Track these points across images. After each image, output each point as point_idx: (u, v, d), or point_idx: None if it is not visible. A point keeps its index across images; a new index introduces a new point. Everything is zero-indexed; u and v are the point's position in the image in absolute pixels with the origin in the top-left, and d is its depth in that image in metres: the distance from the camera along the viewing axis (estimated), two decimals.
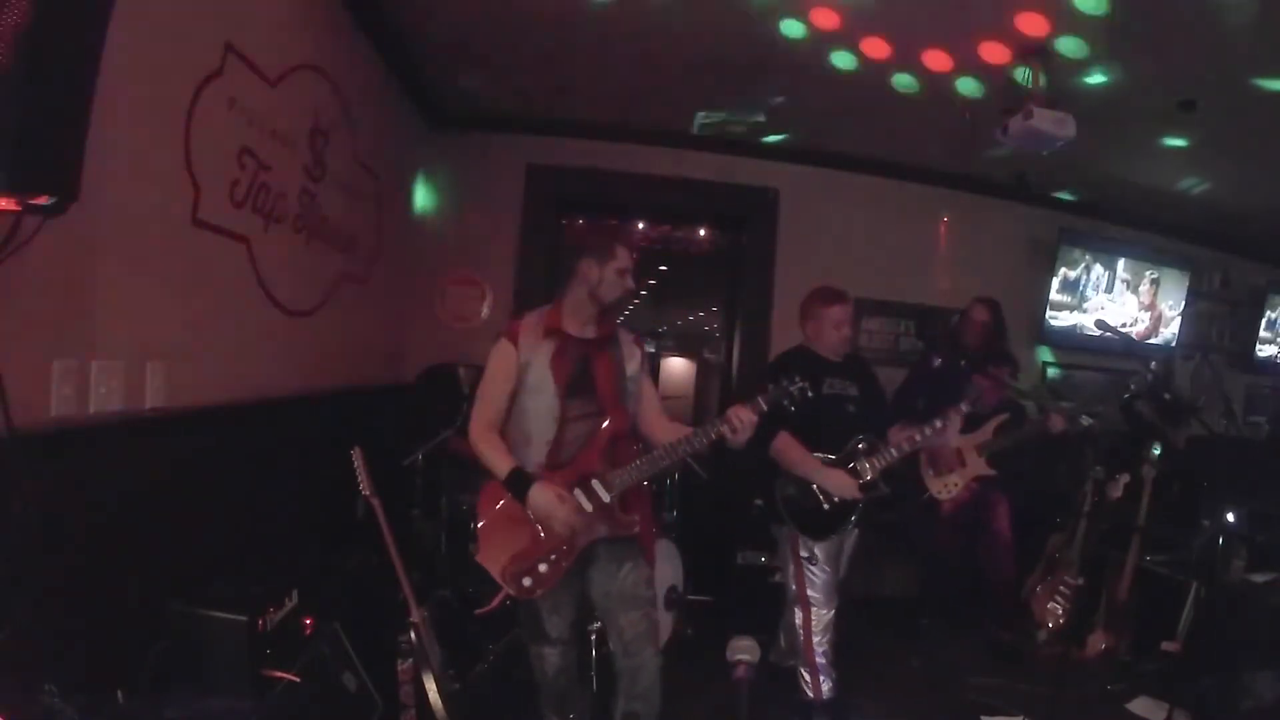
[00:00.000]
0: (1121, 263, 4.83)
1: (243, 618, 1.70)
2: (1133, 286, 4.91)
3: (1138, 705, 2.92)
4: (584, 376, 2.09)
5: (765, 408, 2.05)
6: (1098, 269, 4.77)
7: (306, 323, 2.69)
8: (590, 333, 2.14)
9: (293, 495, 2.58)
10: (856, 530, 2.72)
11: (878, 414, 2.77)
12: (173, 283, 1.90)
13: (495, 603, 2.09)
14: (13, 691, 1.28)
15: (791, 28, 2.84)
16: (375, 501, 2.06)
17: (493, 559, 2.05)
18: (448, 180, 4.14)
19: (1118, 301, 4.86)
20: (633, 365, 2.18)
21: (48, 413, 1.48)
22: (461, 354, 3.69)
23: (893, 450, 2.58)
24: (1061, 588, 3.40)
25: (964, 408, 2.72)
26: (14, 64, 1.08)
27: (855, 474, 2.54)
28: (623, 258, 2.10)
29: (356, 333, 3.23)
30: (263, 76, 2.20)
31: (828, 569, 2.58)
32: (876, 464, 2.57)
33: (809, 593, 2.57)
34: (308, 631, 1.96)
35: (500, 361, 2.11)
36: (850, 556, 2.81)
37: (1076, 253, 4.66)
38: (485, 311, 4.22)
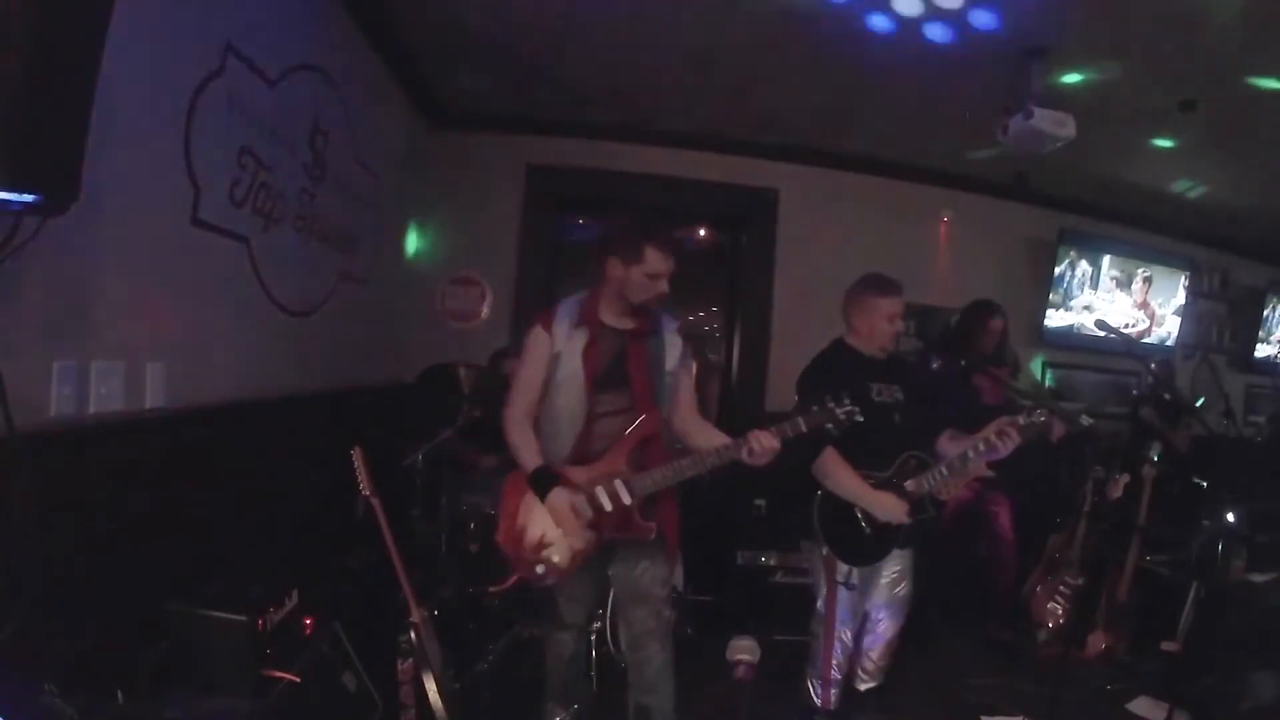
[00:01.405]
0: (1109, 260, 4.82)
1: (243, 618, 1.70)
2: (1124, 284, 4.90)
3: (1138, 705, 2.92)
4: (617, 370, 2.03)
5: (797, 431, 1.95)
6: (1084, 265, 4.76)
7: (306, 323, 2.69)
8: (627, 324, 2.07)
9: (293, 495, 2.58)
10: (908, 554, 2.53)
11: (925, 420, 2.52)
12: (173, 283, 1.90)
13: (509, 583, 2.10)
14: (13, 691, 1.28)
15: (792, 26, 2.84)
16: (375, 501, 2.06)
17: (510, 542, 2.05)
18: (448, 180, 4.14)
19: (1106, 299, 4.85)
20: (672, 359, 2.10)
21: (48, 413, 1.49)
22: (461, 354, 3.69)
23: (944, 469, 2.36)
24: (1061, 588, 3.40)
25: (1022, 420, 2.32)
26: (14, 64, 1.08)
27: (905, 496, 2.34)
28: (653, 261, 1.98)
29: (356, 333, 3.23)
30: (263, 76, 2.20)
31: (857, 593, 2.45)
32: (926, 484, 2.36)
33: (837, 614, 2.45)
34: (308, 631, 1.96)
35: (533, 349, 2.06)
36: (905, 587, 2.55)
37: (1062, 250, 4.66)
38: (485, 311, 4.22)
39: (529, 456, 2.01)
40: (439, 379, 3.38)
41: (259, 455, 2.33)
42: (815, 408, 1.98)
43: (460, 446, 3.13)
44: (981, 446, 2.32)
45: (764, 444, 1.92)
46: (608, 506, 1.97)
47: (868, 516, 2.36)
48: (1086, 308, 4.76)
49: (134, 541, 1.73)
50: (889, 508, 2.32)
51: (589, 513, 1.97)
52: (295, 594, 1.91)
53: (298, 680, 1.77)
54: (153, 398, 1.80)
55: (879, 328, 2.45)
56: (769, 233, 4.40)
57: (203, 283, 2.03)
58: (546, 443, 2.05)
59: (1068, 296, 4.75)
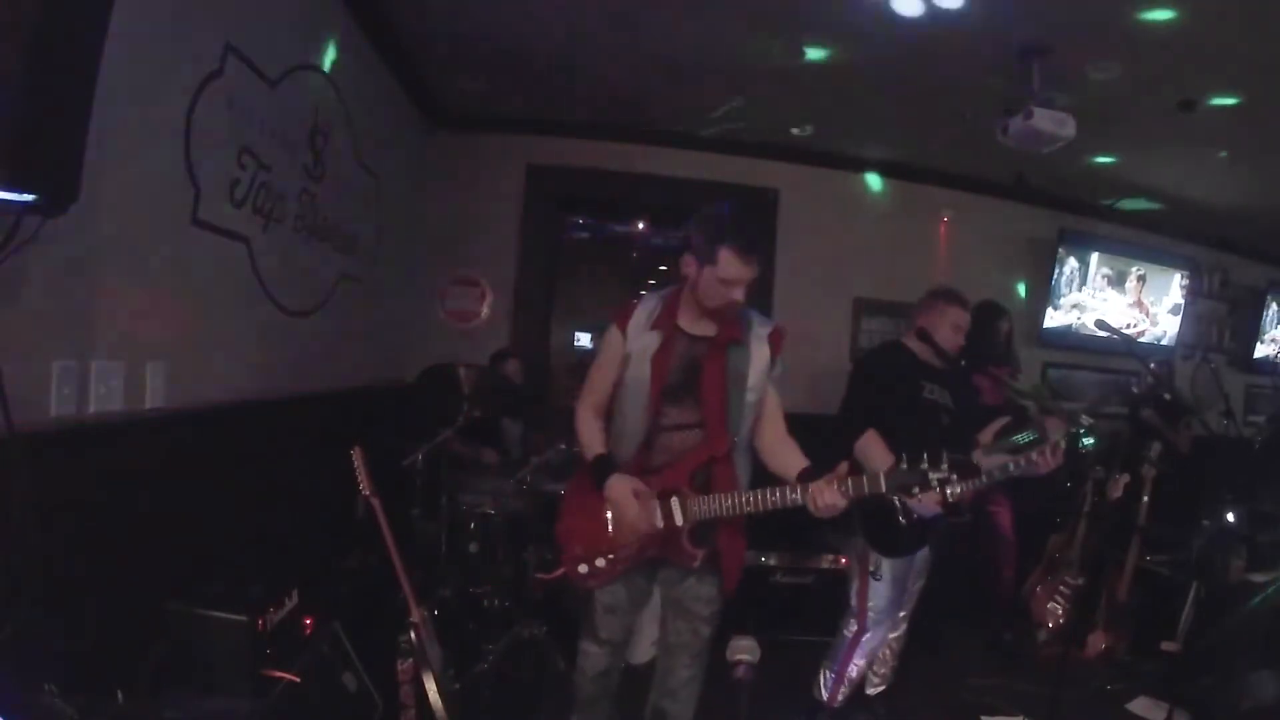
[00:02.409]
0: (1109, 260, 4.82)
1: (243, 618, 1.70)
2: (1122, 284, 4.90)
3: (1138, 705, 2.92)
4: (688, 381, 1.86)
5: (866, 492, 1.69)
6: (1082, 265, 4.76)
7: (306, 323, 2.69)
8: (708, 329, 1.89)
9: (293, 495, 2.58)
10: (926, 550, 2.55)
11: (971, 428, 2.52)
12: (173, 283, 1.90)
13: (556, 575, 2.05)
14: (13, 691, 1.28)
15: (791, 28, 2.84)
16: (375, 501, 2.06)
17: (564, 536, 2.01)
18: (448, 180, 4.14)
19: (1105, 299, 4.85)
20: (756, 372, 1.88)
21: (48, 413, 1.49)
22: (461, 354, 3.69)
23: (984, 478, 2.33)
24: (1061, 588, 3.40)
25: (1062, 444, 2.29)
26: (14, 64, 1.08)
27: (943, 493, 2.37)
28: (727, 266, 1.76)
29: (356, 333, 3.23)
30: (263, 76, 2.19)
31: (893, 588, 2.47)
32: (965, 486, 2.30)
33: (868, 608, 2.46)
34: (308, 631, 1.96)
35: (606, 348, 1.97)
36: (921, 575, 2.64)
37: (1061, 250, 4.65)
38: (485, 311, 4.22)
39: (594, 443, 1.94)
40: (439, 379, 3.38)
41: (259, 455, 2.33)
42: (903, 468, 1.68)
43: (461, 445, 3.13)
44: (1023, 462, 2.29)
45: (825, 501, 1.70)
46: (659, 524, 1.85)
47: (905, 510, 2.37)
48: (1075, 305, 4.76)
49: (134, 541, 1.73)
50: (925, 501, 2.25)
51: (655, 507, 1.84)
52: (295, 594, 1.90)
53: (298, 680, 1.77)
54: (153, 398, 1.80)
55: (943, 334, 2.54)
56: (769, 233, 4.40)
57: (203, 283, 2.02)
58: (613, 446, 1.95)
59: (1065, 296, 4.75)
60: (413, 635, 2.00)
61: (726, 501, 1.82)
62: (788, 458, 1.89)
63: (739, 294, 1.81)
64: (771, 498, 1.78)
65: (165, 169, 1.81)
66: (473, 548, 2.96)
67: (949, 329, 2.54)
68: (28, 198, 1.18)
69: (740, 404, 1.87)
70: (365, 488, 2.05)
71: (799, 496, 1.74)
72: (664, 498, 1.85)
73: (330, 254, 2.86)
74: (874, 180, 4.49)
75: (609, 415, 2.00)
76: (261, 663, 1.72)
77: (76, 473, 1.56)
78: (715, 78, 3.41)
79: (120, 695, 1.51)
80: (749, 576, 3.43)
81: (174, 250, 1.89)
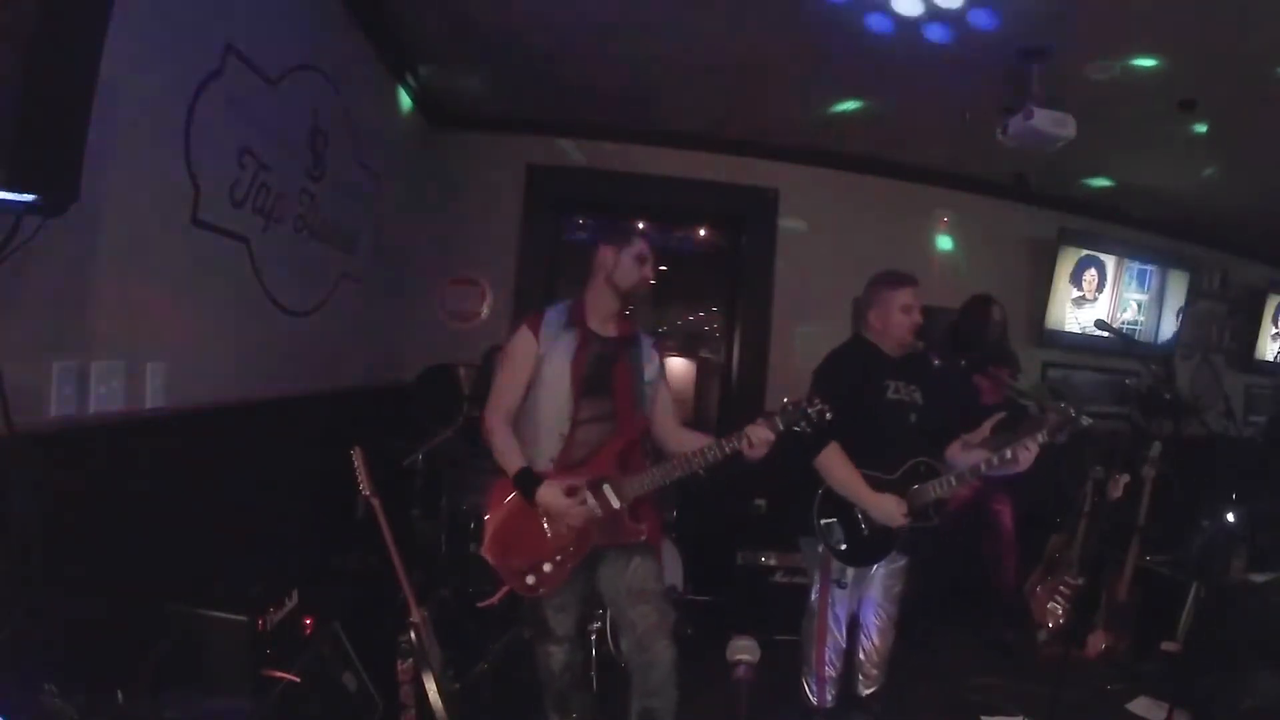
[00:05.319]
0: (1109, 259, 4.83)
1: (243, 618, 1.70)
2: (1123, 284, 4.90)
3: (1138, 705, 2.92)
4: (601, 376, 2.05)
5: (781, 428, 1.95)
6: (1083, 265, 4.77)
7: (306, 323, 2.69)
8: (611, 331, 2.11)
9: (293, 495, 2.59)
10: (904, 560, 2.50)
11: (943, 423, 2.44)
12: (173, 283, 1.90)
13: (498, 597, 2.10)
14: (13, 691, 1.28)
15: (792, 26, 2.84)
16: (375, 501, 2.06)
17: (498, 555, 2.05)
18: (448, 180, 4.13)
19: (1106, 299, 4.85)
20: (651, 369, 2.14)
21: (48, 413, 1.49)
22: (461, 354, 3.69)
23: (953, 479, 2.29)
24: (1061, 588, 3.40)
25: (1041, 438, 2.18)
26: (14, 64, 1.08)
27: (907, 500, 2.28)
28: (641, 245, 2.10)
29: (356, 333, 3.23)
30: (263, 76, 2.20)
31: (847, 585, 2.42)
32: (932, 492, 2.28)
33: (830, 613, 2.42)
34: (308, 631, 1.96)
35: (519, 350, 2.07)
36: (899, 590, 2.53)
37: (1061, 249, 4.66)
38: (485, 311, 4.22)
39: (512, 457, 2.00)
40: (439, 379, 3.38)
41: (259, 455, 2.33)
42: (788, 404, 1.97)
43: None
44: (996, 461, 2.22)
45: (760, 438, 1.92)
46: (597, 512, 1.96)
47: (867, 517, 2.33)
48: (1075, 305, 4.77)
49: (134, 541, 1.73)
50: (887, 511, 2.27)
51: (589, 498, 1.96)
52: (295, 594, 1.91)
53: (298, 680, 1.77)
54: (153, 398, 1.80)
55: (894, 320, 2.42)
56: (769, 232, 4.40)
57: (203, 283, 2.03)
58: (528, 448, 2.04)
59: (1065, 296, 4.75)
60: (413, 635, 2.00)
61: (657, 473, 2.00)
62: (688, 438, 2.11)
63: (649, 270, 2.11)
64: (708, 454, 1.95)
65: (165, 169, 1.81)
66: (473, 548, 2.97)
67: (898, 313, 2.41)
68: (28, 198, 1.18)
69: (643, 394, 2.10)
70: (365, 488, 2.05)
71: (726, 447, 1.93)
72: (594, 487, 1.97)
73: (330, 254, 2.86)
74: (874, 180, 4.49)
75: (517, 420, 2.08)
76: (261, 663, 1.73)
77: (76, 473, 1.56)
78: (715, 77, 3.41)
79: (120, 695, 1.51)
80: (749, 576, 3.47)
81: (174, 250, 1.89)
